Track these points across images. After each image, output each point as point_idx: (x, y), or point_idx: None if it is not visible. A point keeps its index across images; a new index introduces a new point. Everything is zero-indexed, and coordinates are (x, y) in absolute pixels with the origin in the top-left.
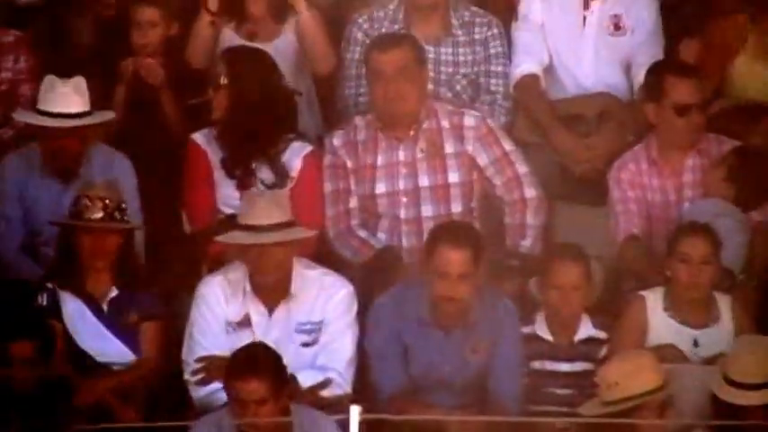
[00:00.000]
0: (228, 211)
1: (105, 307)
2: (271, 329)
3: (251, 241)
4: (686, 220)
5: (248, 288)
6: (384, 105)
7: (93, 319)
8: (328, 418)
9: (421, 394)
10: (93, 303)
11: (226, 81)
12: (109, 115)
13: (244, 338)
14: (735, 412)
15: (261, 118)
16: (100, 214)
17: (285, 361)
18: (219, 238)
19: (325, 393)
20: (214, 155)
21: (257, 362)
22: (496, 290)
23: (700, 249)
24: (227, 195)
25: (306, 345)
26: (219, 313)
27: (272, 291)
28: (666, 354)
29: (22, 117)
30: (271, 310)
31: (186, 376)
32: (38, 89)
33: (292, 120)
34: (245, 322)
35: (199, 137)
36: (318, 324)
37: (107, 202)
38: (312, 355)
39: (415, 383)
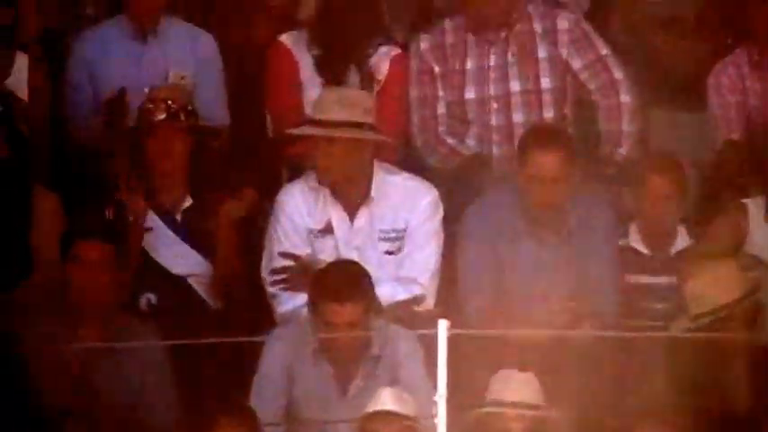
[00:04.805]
0: None
1: (179, 217)
2: (353, 236)
3: (315, 132)
4: None
5: (328, 193)
6: (475, 4)
7: (167, 231)
8: (407, 332)
9: (512, 309)
10: (165, 214)
11: None
12: None
13: (327, 246)
14: None
15: (352, 18)
16: (163, 115)
17: (370, 271)
18: (290, 130)
19: (417, 308)
20: (302, 56)
21: (354, 284)
22: (594, 198)
23: None
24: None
25: (389, 253)
26: (299, 222)
27: (352, 194)
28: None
29: None
30: (351, 216)
31: (268, 288)
32: None
33: (379, 21)
34: (328, 229)
35: (286, 38)
36: (402, 232)
37: (170, 102)
38: (395, 264)
39: (506, 298)
